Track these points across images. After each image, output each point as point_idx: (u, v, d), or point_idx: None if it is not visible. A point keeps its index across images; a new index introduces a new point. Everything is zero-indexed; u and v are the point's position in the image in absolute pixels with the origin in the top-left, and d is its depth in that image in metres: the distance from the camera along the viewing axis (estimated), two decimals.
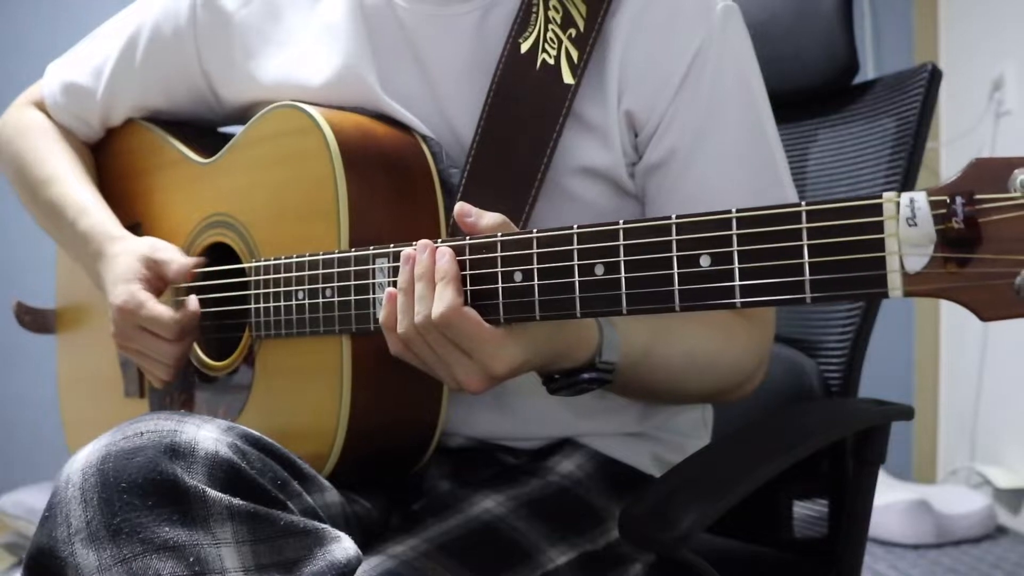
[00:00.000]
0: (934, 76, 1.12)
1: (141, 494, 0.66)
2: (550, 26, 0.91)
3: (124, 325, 0.95)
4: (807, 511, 1.14)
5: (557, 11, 0.91)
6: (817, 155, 1.25)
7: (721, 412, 1.12)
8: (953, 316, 3.16)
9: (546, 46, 0.91)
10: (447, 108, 0.94)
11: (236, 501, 0.67)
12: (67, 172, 1.10)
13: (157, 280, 0.96)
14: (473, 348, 0.73)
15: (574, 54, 0.90)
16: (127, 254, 0.97)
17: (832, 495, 1.10)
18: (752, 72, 0.95)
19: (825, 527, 1.11)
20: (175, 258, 0.96)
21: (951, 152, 3.08)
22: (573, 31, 0.91)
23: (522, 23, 0.92)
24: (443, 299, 0.73)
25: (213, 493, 0.67)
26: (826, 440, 0.96)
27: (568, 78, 0.90)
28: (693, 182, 0.90)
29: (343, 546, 0.71)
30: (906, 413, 0.99)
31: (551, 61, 0.90)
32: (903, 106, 1.14)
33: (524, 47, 0.91)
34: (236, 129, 1.03)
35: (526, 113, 0.90)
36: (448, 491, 0.93)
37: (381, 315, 0.77)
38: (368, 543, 0.81)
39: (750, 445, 0.90)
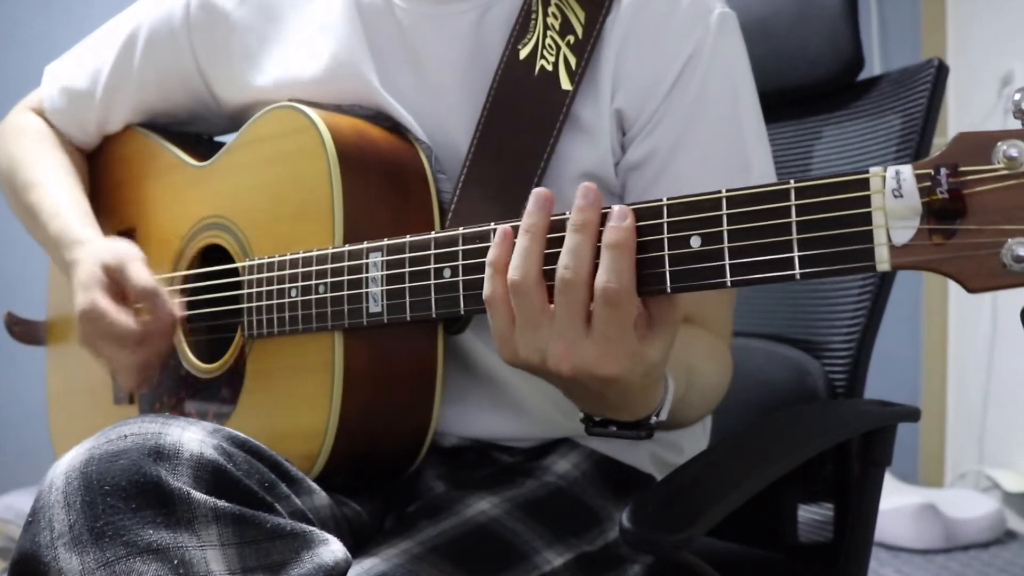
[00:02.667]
0: (941, 72, 1.12)
1: (124, 497, 0.65)
2: (549, 32, 0.92)
3: (88, 332, 0.94)
4: (812, 515, 1.13)
5: (556, 17, 0.92)
6: (821, 152, 1.24)
7: (723, 414, 1.11)
8: (961, 316, 3.15)
9: (544, 52, 0.92)
10: (442, 108, 0.95)
11: (221, 503, 0.67)
12: (50, 176, 1.10)
13: (119, 288, 0.95)
14: (611, 336, 0.66)
15: (572, 60, 0.91)
16: (90, 259, 0.96)
17: (837, 498, 1.10)
18: (741, 82, 0.95)
19: (830, 531, 1.10)
20: (138, 273, 0.93)
21: None
22: (571, 38, 0.92)
23: (521, 29, 0.93)
24: (619, 272, 0.65)
25: (198, 495, 0.66)
26: (831, 442, 0.96)
27: (566, 84, 0.91)
28: (666, 185, 0.91)
29: (331, 549, 0.71)
30: (913, 415, 0.99)
31: (549, 67, 0.91)
32: (909, 102, 1.14)
33: (523, 53, 0.92)
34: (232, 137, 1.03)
35: (523, 119, 0.91)
36: (442, 492, 0.92)
37: (491, 253, 0.70)
38: (360, 546, 0.81)
39: (753, 447, 0.90)
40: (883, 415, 0.99)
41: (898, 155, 1.13)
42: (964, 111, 3.06)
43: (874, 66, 3.07)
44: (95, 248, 0.98)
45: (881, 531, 2.55)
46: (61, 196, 1.08)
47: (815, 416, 1.04)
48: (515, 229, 0.71)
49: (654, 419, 0.76)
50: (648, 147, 0.92)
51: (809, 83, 1.24)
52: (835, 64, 1.21)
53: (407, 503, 0.93)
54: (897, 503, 2.69)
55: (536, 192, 0.70)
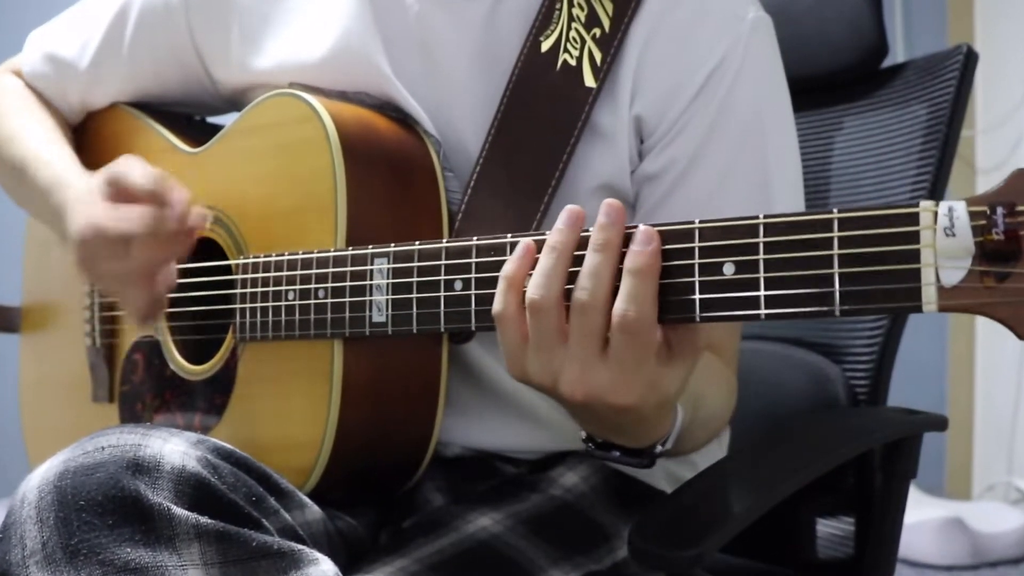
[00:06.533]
0: (970, 59, 1.12)
1: (101, 513, 0.65)
2: (573, 24, 0.91)
3: (87, 248, 0.89)
4: (832, 529, 1.13)
5: (582, 9, 0.91)
6: (842, 144, 1.24)
7: (738, 422, 1.11)
8: (989, 320, 3.15)
9: (568, 46, 0.91)
10: (452, 102, 0.94)
11: (204, 520, 0.67)
12: (34, 129, 1.09)
13: (122, 196, 0.90)
14: (629, 365, 0.66)
15: (597, 56, 0.90)
16: (87, 184, 0.94)
17: (859, 512, 1.09)
18: (770, 95, 0.94)
19: (851, 547, 1.10)
20: (141, 169, 0.89)
21: (987, 141, 3.07)
22: (597, 31, 0.91)
23: (544, 19, 0.92)
24: (639, 300, 0.64)
25: (179, 511, 0.66)
26: (852, 452, 0.96)
27: (590, 81, 0.90)
28: (680, 199, 0.91)
29: (321, 569, 0.70)
30: (939, 423, 0.99)
31: (572, 62, 0.91)
32: (936, 91, 1.14)
33: (545, 46, 0.91)
34: (227, 120, 1.03)
35: (542, 118, 0.90)
36: (442, 506, 0.92)
37: (508, 266, 0.70)
38: (353, 563, 0.81)
39: (770, 458, 0.90)
40: (907, 424, 0.98)
41: (924, 147, 1.13)
42: (992, 101, 3.05)
43: (898, 53, 3.07)
44: (94, 175, 0.95)
45: (905, 546, 2.55)
46: (51, 147, 1.07)
47: (835, 425, 1.04)
48: (537, 243, 0.70)
49: (659, 448, 0.76)
50: (666, 158, 0.91)
51: (830, 71, 1.24)
52: (857, 51, 1.21)
53: (404, 516, 0.93)
54: (922, 517, 2.68)
55: (569, 209, 0.70)
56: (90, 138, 1.16)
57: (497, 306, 0.70)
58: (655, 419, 0.73)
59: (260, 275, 0.90)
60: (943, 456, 3.20)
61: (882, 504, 1.01)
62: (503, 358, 0.92)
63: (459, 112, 0.94)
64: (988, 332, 3.17)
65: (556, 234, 0.69)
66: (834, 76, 1.24)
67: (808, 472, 0.84)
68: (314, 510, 0.80)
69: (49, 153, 1.05)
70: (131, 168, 0.90)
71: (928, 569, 2.66)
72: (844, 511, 1.12)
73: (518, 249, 0.70)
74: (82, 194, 0.94)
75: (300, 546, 0.71)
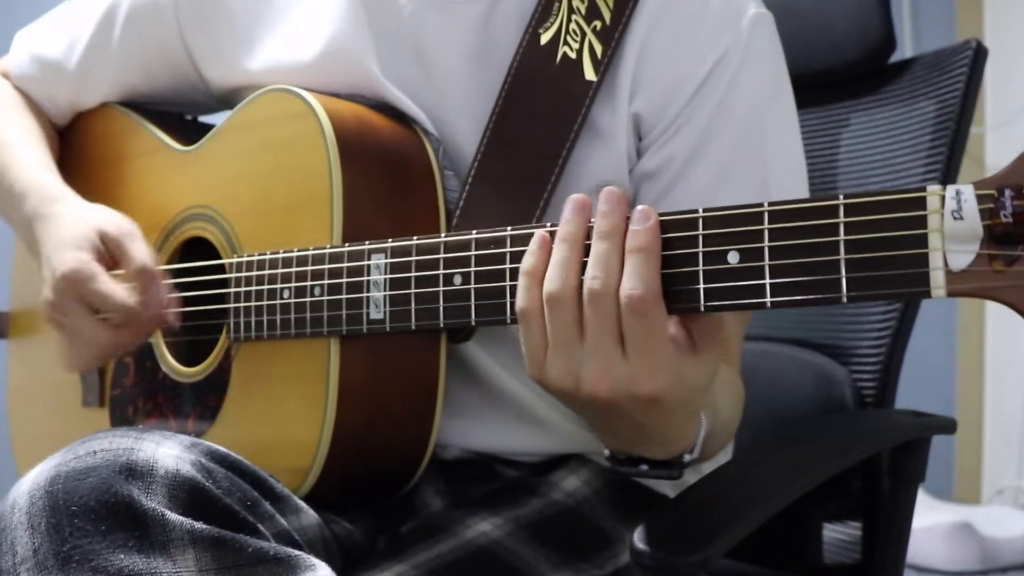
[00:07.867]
0: (979, 54, 1.12)
1: (93, 518, 0.65)
2: (574, 16, 0.92)
3: (65, 295, 0.91)
4: (838, 534, 1.13)
5: (582, 1, 0.92)
6: (849, 142, 1.24)
7: (743, 424, 1.11)
8: (1000, 319, 3.15)
9: (568, 38, 0.91)
10: (448, 102, 0.94)
11: (199, 525, 0.67)
12: (16, 136, 1.09)
13: (110, 259, 0.93)
14: (645, 349, 0.66)
15: (598, 48, 0.91)
16: (79, 220, 0.95)
17: (866, 517, 1.10)
18: (771, 93, 0.95)
19: (858, 552, 1.10)
20: (140, 249, 0.92)
21: (997, 138, 3.07)
22: (598, 23, 0.91)
23: (543, 11, 0.93)
24: (644, 278, 0.65)
25: (173, 516, 0.66)
26: (859, 456, 0.96)
27: (590, 74, 0.90)
28: (679, 198, 0.91)
29: (319, 575, 0.70)
30: (947, 426, 0.99)
31: (572, 55, 0.91)
32: (944, 87, 1.14)
33: (544, 38, 0.92)
34: (221, 119, 1.03)
35: (541, 112, 0.90)
36: (440, 510, 0.92)
37: (527, 261, 0.70)
38: (350, 569, 0.81)
39: (776, 461, 0.90)
40: (915, 427, 0.99)
41: (932, 145, 1.13)
42: (1002, 97, 3.05)
43: (905, 48, 3.07)
44: (86, 210, 0.97)
45: (913, 552, 2.55)
46: (31, 154, 1.07)
47: (842, 428, 1.04)
48: (550, 235, 0.71)
49: (687, 456, 0.76)
50: (664, 156, 0.92)
51: (836, 66, 1.24)
52: (864, 46, 1.21)
53: (402, 521, 0.93)
54: (930, 521, 2.68)
55: (574, 198, 0.70)
56: (80, 138, 1.16)
57: (521, 302, 0.70)
58: (682, 421, 0.73)
59: (254, 273, 0.90)
60: (952, 459, 3.20)
61: (890, 508, 1.01)
62: (503, 358, 0.93)
63: (455, 110, 0.94)
64: (998, 333, 3.17)
65: (566, 224, 0.70)
66: (840, 72, 1.24)
67: (814, 476, 0.84)
68: (310, 515, 0.80)
69: (25, 156, 1.06)
70: (135, 239, 0.93)
71: (936, 575, 2.66)
72: (851, 516, 1.12)
73: (534, 242, 0.71)
74: (75, 234, 0.94)
75: (297, 552, 0.71)
